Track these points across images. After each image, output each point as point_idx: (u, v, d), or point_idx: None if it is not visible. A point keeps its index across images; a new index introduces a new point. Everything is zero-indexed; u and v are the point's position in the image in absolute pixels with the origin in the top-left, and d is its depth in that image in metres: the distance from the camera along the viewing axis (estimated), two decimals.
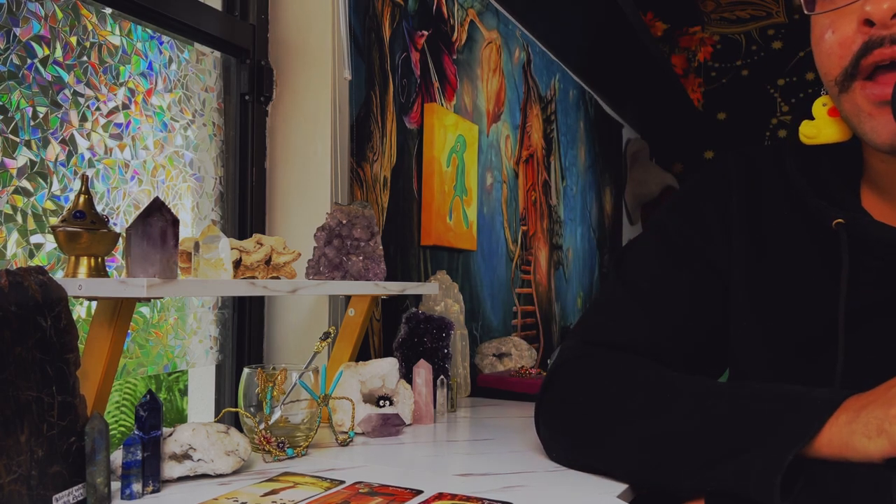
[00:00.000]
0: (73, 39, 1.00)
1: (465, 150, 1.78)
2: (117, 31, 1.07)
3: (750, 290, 0.77)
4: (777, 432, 0.58)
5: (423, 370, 1.23)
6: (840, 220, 0.68)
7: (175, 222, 0.83)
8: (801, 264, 0.73)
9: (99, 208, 0.85)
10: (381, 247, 1.20)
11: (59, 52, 0.97)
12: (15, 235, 0.91)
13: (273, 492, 0.79)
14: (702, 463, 0.63)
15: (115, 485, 0.76)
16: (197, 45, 1.23)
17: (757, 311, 0.76)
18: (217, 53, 1.28)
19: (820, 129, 0.71)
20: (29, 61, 0.93)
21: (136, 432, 0.77)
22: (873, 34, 0.60)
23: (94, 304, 0.84)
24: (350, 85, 1.36)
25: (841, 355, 0.66)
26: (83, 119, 1.01)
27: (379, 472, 0.88)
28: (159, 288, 0.76)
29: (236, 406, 1.04)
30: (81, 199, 0.82)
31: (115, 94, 1.06)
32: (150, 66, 1.13)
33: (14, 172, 0.91)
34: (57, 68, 0.97)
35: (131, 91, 1.09)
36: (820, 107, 0.72)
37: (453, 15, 1.80)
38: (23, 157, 0.92)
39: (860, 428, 0.55)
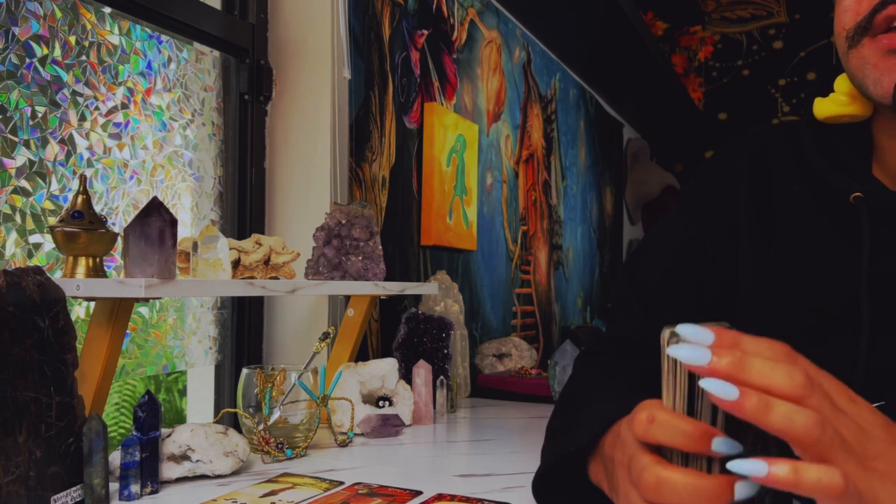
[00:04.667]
0: (72, 39, 0.99)
1: (465, 149, 1.78)
2: (116, 31, 1.07)
3: (764, 275, 0.76)
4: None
5: (422, 370, 1.22)
6: (859, 193, 0.68)
7: (173, 222, 0.82)
8: (817, 242, 0.73)
9: (97, 208, 0.85)
10: (380, 247, 1.20)
11: (57, 52, 0.97)
12: (13, 235, 0.91)
13: (272, 493, 0.78)
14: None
15: (114, 486, 0.76)
16: (196, 44, 1.23)
17: (771, 296, 0.75)
18: (216, 53, 1.28)
19: (853, 98, 0.71)
20: (28, 60, 0.93)
21: (134, 433, 0.77)
22: None
23: (92, 304, 0.84)
24: (349, 84, 1.36)
25: (865, 331, 0.66)
26: (82, 118, 1.01)
27: (378, 472, 0.88)
28: (158, 288, 0.76)
29: (235, 407, 1.03)
30: (80, 198, 0.82)
31: (114, 94, 1.06)
32: (149, 66, 1.13)
33: (13, 172, 0.91)
34: (56, 68, 0.97)
35: (130, 90, 1.09)
36: (844, 81, 0.72)
37: (453, 14, 1.79)
38: (21, 156, 0.92)
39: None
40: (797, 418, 0.41)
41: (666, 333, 0.47)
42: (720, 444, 0.44)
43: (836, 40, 0.68)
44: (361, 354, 1.34)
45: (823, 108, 0.73)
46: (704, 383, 0.43)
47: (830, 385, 0.45)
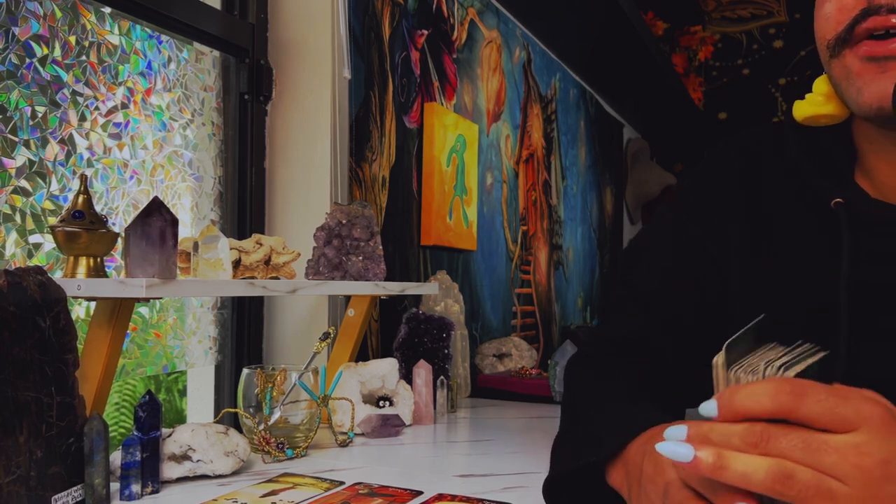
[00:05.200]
0: (72, 39, 0.99)
1: (465, 149, 1.78)
2: (116, 31, 1.07)
3: (751, 276, 0.76)
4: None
5: (423, 371, 1.22)
6: (839, 199, 0.68)
7: (174, 222, 0.82)
8: (802, 247, 0.73)
9: (98, 208, 0.85)
10: (380, 247, 1.20)
11: (57, 52, 0.97)
12: (14, 235, 0.91)
13: (273, 492, 0.78)
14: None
15: (115, 486, 0.76)
16: (196, 44, 1.23)
17: (758, 298, 0.75)
18: (216, 53, 1.28)
19: (829, 98, 0.71)
20: (28, 60, 0.93)
21: (135, 433, 0.77)
22: (872, 2, 0.62)
23: (93, 304, 0.84)
24: (349, 84, 1.36)
25: (844, 337, 0.66)
26: (82, 118, 1.01)
27: (379, 472, 0.88)
28: (158, 288, 0.76)
29: (236, 406, 1.03)
30: (80, 198, 0.82)
31: (113, 94, 1.06)
32: (149, 66, 1.13)
33: (13, 172, 0.91)
34: (56, 67, 0.97)
35: (130, 90, 1.09)
36: (822, 83, 0.72)
37: (453, 14, 1.79)
38: (21, 156, 0.92)
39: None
40: (755, 475, 0.39)
41: (720, 359, 0.46)
42: None
43: (818, 48, 0.68)
44: (362, 354, 1.34)
45: (801, 109, 0.74)
46: (659, 447, 0.42)
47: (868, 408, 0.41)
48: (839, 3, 0.64)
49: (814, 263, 0.72)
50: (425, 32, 1.66)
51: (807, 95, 0.73)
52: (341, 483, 0.82)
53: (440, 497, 0.77)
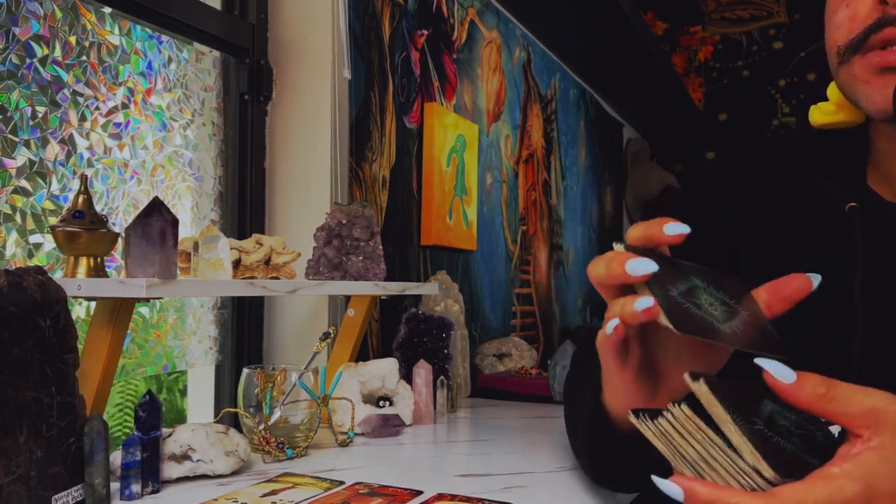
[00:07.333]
0: (73, 39, 1.00)
1: (465, 149, 1.78)
2: (116, 31, 1.07)
3: (751, 276, 0.76)
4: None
5: (423, 370, 1.23)
6: (853, 203, 0.68)
7: (174, 222, 0.82)
8: (803, 247, 0.73)
9: (98, 208, 0.85)
10: (380, 247, 1.20)
11: (58, 52, 0.97)
12: (14, 235, 0.91)
13: (273, 492, 0.78)
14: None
15: (115, 485, 0.76)
16: (196, 44, 1.23)
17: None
18: (216, 53, 1.28)
19: (840, 107, 0.72)
20: (28, 61, 0.93)
21: (135, 433, 0.77)
22: (887, 12, 0.62)
23: (93, 304, 0.84)
24: (349, 84, 1.36)
25: (859, 337, 0.66)
26: (82, 119, 1.01)
27: (379, 472, 0.88)
28: (158, 288, 0.76)
29: (236, 406, 1.03)
30: (80, 198, 0.82)
31: (114, 94, 1.06)
32: (149, 66, 1.13)
33: (13, 172, 0.91)
34: (56, 68, 0.97)
35: (130, 90, 1.09)
36: (835, 89, 0.73)
37: (453, 14, 1.79)
38: (22, 156, 0.92)
39: None
40: None
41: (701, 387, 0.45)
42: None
43: (828, 54, 0.69)
44: (362, 354, 1.34)
45: (815, 116, 0.75)
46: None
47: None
48: (852, 12, 0.65)
49: (816, 263, 0.72)
50: (425, 32, 1.66)
51: (820, 104, 0.74)
52: (341, 483, 0.82)
53: (440, 497, 0.77)
